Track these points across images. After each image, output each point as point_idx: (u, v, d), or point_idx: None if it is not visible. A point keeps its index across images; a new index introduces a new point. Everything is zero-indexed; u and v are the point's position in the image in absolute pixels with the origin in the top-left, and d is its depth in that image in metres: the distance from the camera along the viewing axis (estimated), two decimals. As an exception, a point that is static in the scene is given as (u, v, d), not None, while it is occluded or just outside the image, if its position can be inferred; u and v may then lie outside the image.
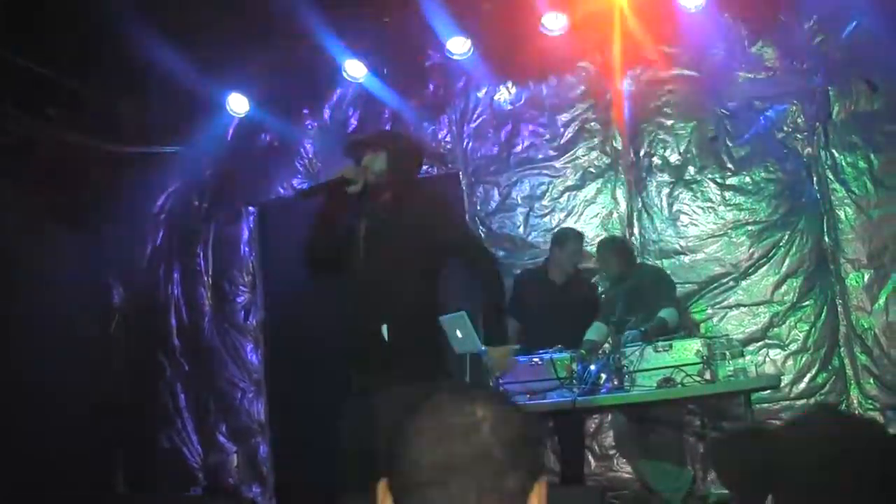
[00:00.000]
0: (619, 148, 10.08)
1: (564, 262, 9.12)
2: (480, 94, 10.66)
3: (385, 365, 5.58)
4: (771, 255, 9.43)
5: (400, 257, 5.69)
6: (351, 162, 5.90)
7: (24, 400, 9.18)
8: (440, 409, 1.89)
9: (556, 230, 9.71)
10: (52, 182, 10.15)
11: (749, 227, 9.54)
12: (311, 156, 11.30)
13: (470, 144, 10.66)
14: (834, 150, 9.30)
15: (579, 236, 9.30)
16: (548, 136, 10.37)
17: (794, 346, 9.28)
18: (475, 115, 10.64)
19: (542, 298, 9.08)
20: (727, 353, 7.35)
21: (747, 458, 2.17)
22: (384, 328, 5.60)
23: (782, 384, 8.92)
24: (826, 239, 9.28)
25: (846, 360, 9.10)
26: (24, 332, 9.46)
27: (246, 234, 11.46)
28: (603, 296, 9.15)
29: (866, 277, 9.10)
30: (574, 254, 9.13)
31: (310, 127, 11.24)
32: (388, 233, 5.76)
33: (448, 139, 10.76)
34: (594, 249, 9.33)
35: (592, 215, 10.08)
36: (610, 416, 9.37)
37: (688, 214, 9.77)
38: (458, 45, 9.98)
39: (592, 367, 7.55)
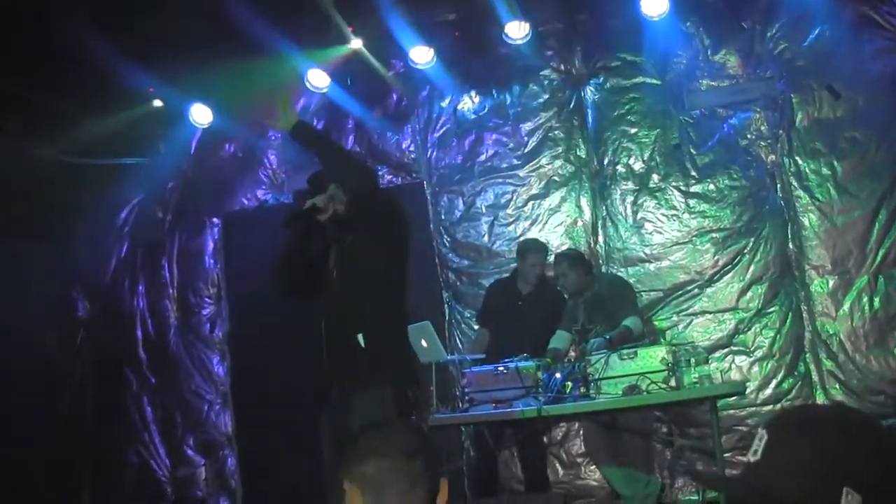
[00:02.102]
0: (584, 156, 10.10)
1: (528, 273, 9.15)
2: (444, 104, 10.67)
3: (363, 371, 5.84)
4: (736, 262, 9.45)
5: (368, 275, 6.10)
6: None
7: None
8: None
9: (519, 241, 9.73)
10: (11, 195, 10.08)
11: (713, 235, 9.56)
12: (274, 167, 11.28)
13: (434, 154, 10.66)
14: (797, 157, 9.34)
15: (541, 246, 9.34)
16: (511, 145, 10.38)
17: (759, 353, 9.31)
18: (439, 125, 10.65)
19: (508, 307, 9.12)
20: (692, 360, 7.34)
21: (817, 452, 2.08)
22: (360, 338, 5.89)
23: (748, 390, 8.91)
24: (790, 245, 9.31)
25: (812, 366, 9.14)
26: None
27: (210, 246, 11.42)
28: (566, 306, 9.15)
29: (831, 283, 9.14)
30: (536, 265, 9.15)
31: (273, 138, 11.18)
32: (356, 254, 6.14)
33: (412, 149, 10.75)
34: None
35: (557, 223, 10.09)
36: (577, 424, 9.38)
37: (652, 222, 9.79)
38: (422, 55, 9.95)
39: (558, 376, 7.52)
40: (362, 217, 6.01)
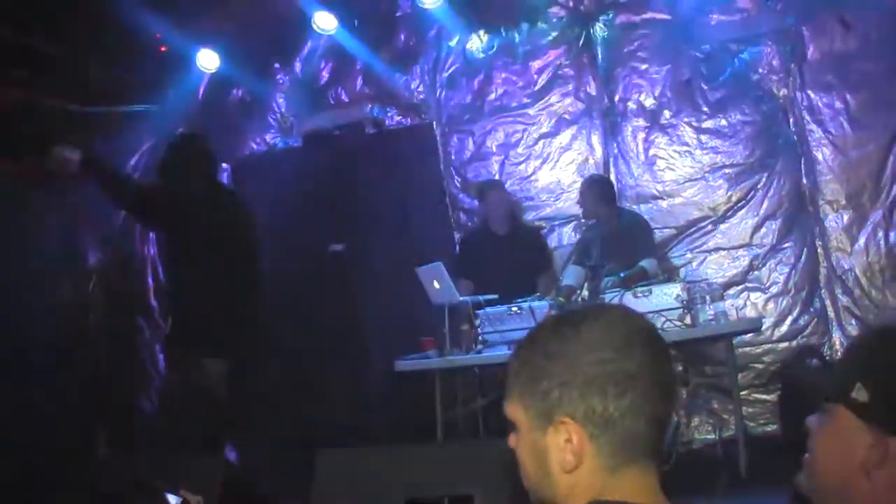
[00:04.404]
0: (594, 94, 10.01)
1: (495, 213, 9.14)
2: (452, 44, 10.57)
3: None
4: (749, 197, 9.38)
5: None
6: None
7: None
8: None
9: (475, 185, 9.77)
10: (20, 145, 10.04)
11: (726, 171, 9.48)
12: (283, 110, 11.22)
13: (443, 94, 10.59)
14: (809, 91, 9.24)
15: (496, 183, 9.35)
16: (521, 84, 10.30)
17: (774, 289, 9.27)
18: (448, 65, 10.56)
19: (487, 253, 9.10)
20: (707, 297, 7.31)
21: None
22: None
23: (764, 327, 8.87)
24: (804, 180, 9.24)
25: (827, 302, 9.09)
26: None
27: (220, 191, 11.37)
28: (579, 239, 9.13)
29: (845, 218, 9.07)
30: (499, 203, 9.18)
31: (281, 81, 11.14)
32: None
33: (421, 89, 10.68)
34: (567, 197, 9.33)
35: (568, 162, 10.03)
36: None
37: (664, 159, 9.71)
38: (429, -6, 9.89)
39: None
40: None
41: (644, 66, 9.88)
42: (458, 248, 9.66)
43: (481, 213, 9.41)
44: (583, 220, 9.48)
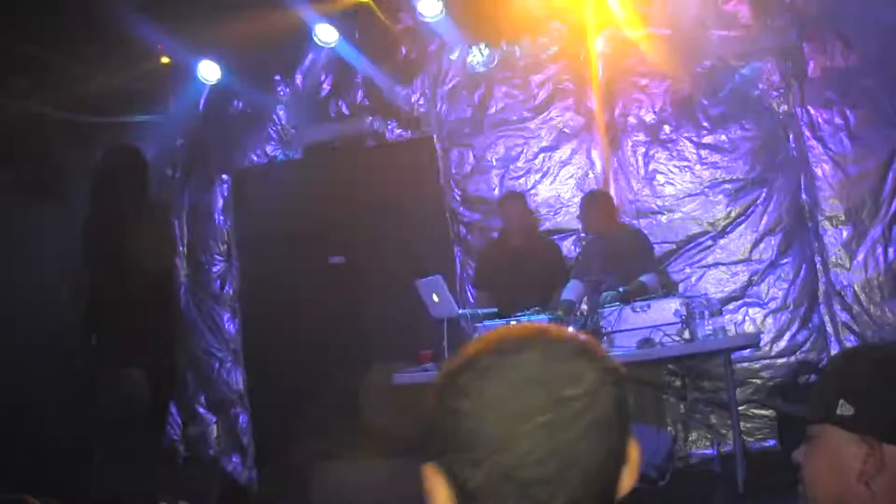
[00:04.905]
0: (594, 108, 10.02)
1: (510, 225, 9.16)
2: (453, 57, 10.58)
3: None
4: (748, 213, 9.41)
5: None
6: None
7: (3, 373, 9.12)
8: None
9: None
10: (20, 155, 10.06)
11: (726, 186, 9.50)
12: (283, 122, 11.23)
13: (444, 107, 10.60)
14: (810, 107, 9.27)
15: (517, 196, 9.35)
16: (522, 98, 10.31)
17: (773, 305, 9.28)
18: (448, 78, 10.57)
19: (503, 264, 9.11)
20: (706, 312, 7.33)
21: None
22: None
23: (762, 342, 8.89)
24: (804, 196, 9.25)
25: (826, 318, 9.10)
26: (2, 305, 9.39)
27: (220, 203, 11.38)
28: (579, 254, 9.14)
29: (844, 234, 9.09)
30: (516, 214, 9.17)
31: (282, 93, 11.17)
32: None
33: (421, 102, 10.69)
34: (567, 211, 9.34)
35: (568, 176, 10.04)
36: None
37: (664, 174, 9.73)
38: (430, 8, 9.88)
39: (570, 329, 7.49)
40: None
41: (644, 81, 9.89)
42: (477, 260, 9.67)
43: (501, 224, 9.42)
44: (583, 235, 9.50)
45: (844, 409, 2.11)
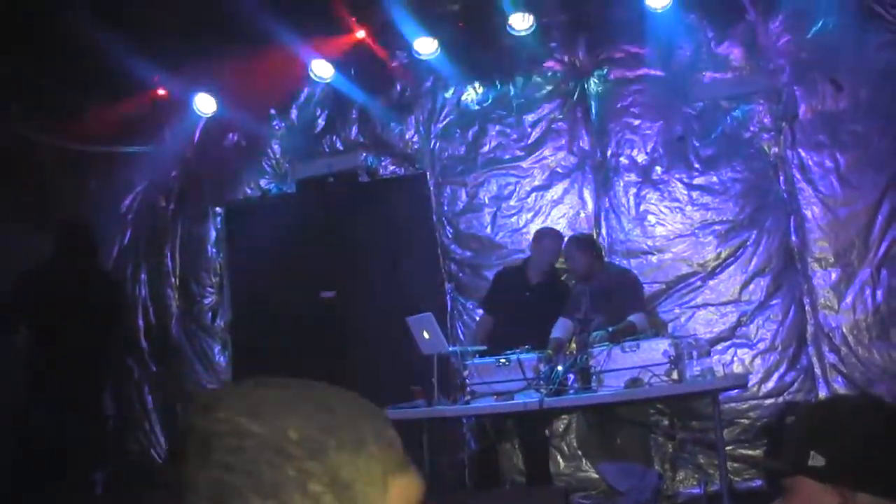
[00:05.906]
0: (587, 148, 10.08)
1: (539, 260, 9.11)
2: (448, 95, 10.65)
3: None
4: (738, 254, 9.44)
5: None
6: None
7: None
8: None
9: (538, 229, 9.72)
10: (15, 183, 10.08)
11: (716, 227, 9.55)
12: (278, 156, 11.28)
13: (437, 145, 10.64)
14: (800, 150, 9.32)
15: (557, 235, 9.27)
16: (515, 137, 10.36)
17: (762, 346, 9.31)
18: (442, 116, 10.63)
19: (515, 296, 9.09)
20: (695, 352, 7.34)
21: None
22: None
23: (750, 383, 8.90)
24: (793, 238, 9.30)
25: (814, 359, 9.13)
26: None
27: (213, 235, 11.41)
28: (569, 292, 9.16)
29: (833, 276, 9.13)
30: (549, 252, 9.09)
31: (277, 127, 11.21)
32: None
33: (415, 139, 10.74)
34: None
35: (560, 215, 10.07)
36: (576, 418, 9.38)
37: (655, 214, 9.77)
38: (426, 46, 9.96)
39: (559, 368, 7.52)
40: None
41: (637, 122, 9.95)
42: (491, 283, 9.63)
43: (531, 255, 9.36)
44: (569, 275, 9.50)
45: (816, 460, 2.17)
